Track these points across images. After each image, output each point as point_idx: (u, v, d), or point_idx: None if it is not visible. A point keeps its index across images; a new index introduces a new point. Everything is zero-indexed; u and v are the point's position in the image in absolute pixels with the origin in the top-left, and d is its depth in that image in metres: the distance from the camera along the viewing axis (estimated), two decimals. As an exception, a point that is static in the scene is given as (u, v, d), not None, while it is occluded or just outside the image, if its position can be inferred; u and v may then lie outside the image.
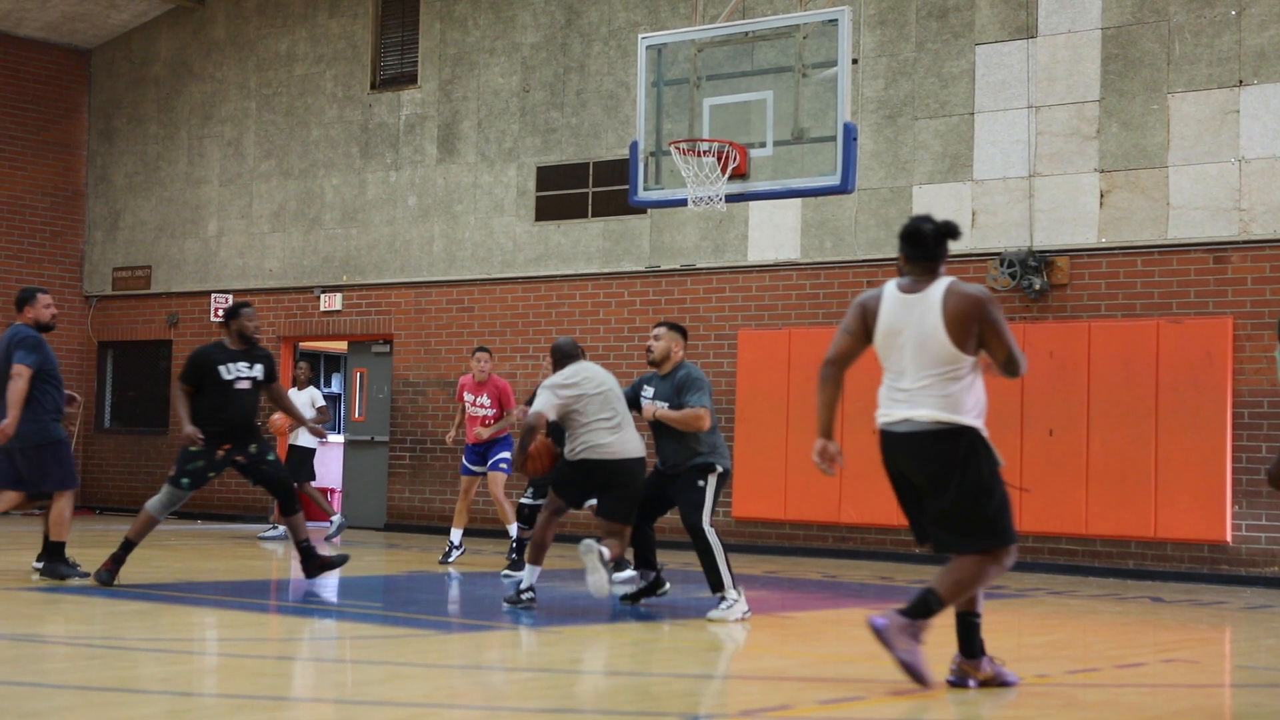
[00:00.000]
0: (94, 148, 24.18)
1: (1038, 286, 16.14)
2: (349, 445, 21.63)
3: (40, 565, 12.27)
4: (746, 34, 13.90)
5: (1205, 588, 14.86)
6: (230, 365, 12.17)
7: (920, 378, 7.41)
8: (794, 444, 17.33)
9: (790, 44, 13.49)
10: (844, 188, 13.22)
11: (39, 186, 23.64)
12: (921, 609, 7.40)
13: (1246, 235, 15.38)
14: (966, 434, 7.41)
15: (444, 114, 20.76)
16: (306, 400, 18.34)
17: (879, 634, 7.35)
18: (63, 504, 12.13)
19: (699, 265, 18.53)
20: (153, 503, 12.16)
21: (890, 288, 7.59)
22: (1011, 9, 16.68)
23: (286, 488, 12.45)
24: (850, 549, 17.17)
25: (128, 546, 12.08)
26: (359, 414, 21.51)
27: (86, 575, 12.14)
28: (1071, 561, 15.97)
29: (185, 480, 12.09)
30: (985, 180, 16.71)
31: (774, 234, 18.03)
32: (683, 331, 11.39)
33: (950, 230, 7.54)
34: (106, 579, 11.89)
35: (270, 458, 12.41)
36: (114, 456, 23.60)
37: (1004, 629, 11.20)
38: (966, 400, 7.41)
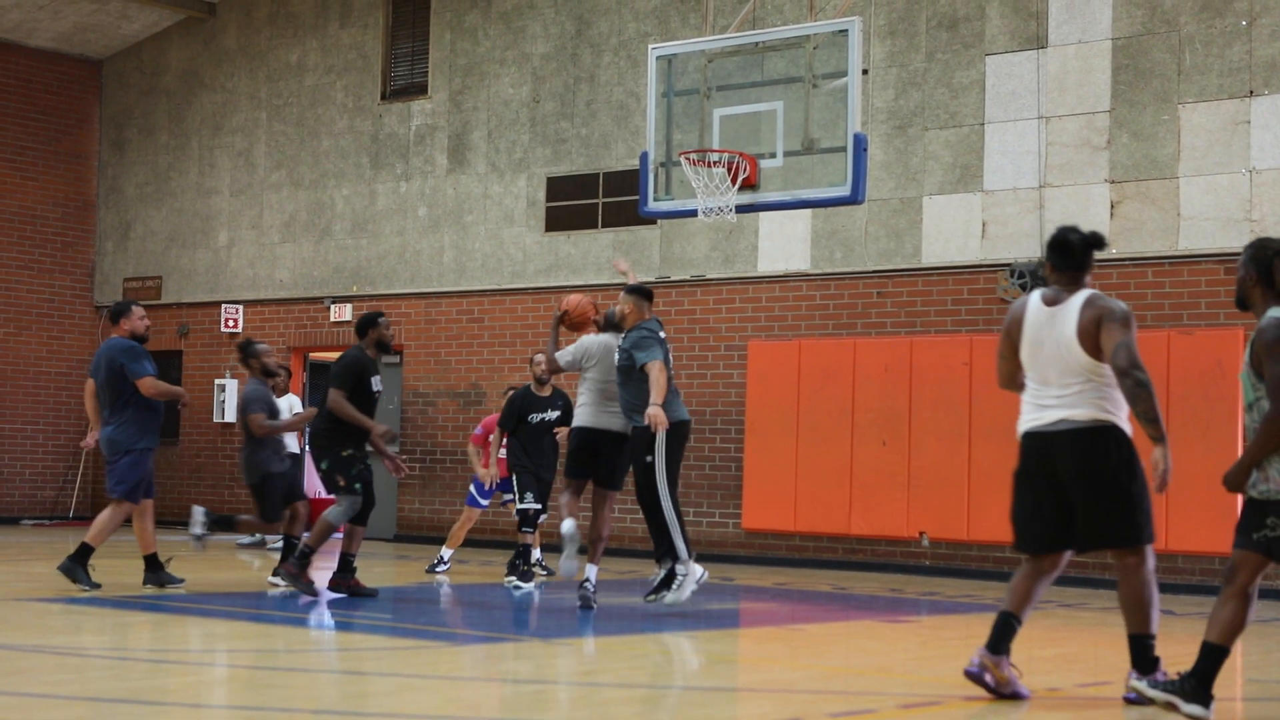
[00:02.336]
0: (105, 158, 24.22)
1: (1048, 297, 16.11)
2: (359, 455, 21.59)
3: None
4: (756, 44, 13.87)
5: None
6: (376, 377, 12.60)
7: (1066, 385, 7.57)
8: (804, 455, 17.32)
9: (800, 54, 13.47)
10: (854, 198, 13.20)
11: (50, 197, 23.68)
12: (1142, 660, 7.67)
13: (1258, 246, 15.34)
14: (1118, 432, 7.56)
15: (454, 124, 20.77)
16: (285, 407, 18.40)
17: (1149, 701, 7.55)
18: (116, 514, 12.52)
19: (709, 276, 18.52)
20: (334, 513, 12.49)
21: (1034, 299, 7.74)
22: (1022, 19, 16.68)
23: (372, 500, 12.73)
24: (860, 561, 17.14)
25: (308, 552, 12.51)
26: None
27: (98, 587, 12.28)
28: (1083, 574, 15.93)
29: (359, 485, 12.45)
30: (995, 191, 16.69)
31: (784, 245, 18.02)
32: (645, 294, 12.06)
33: (1097, 241, 7.71)
34: (309, 590, 12.46)
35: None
36: (124, 466, 23.58)
37: (1015, 642, 11.16)
38: (1116, 400, 7.55)
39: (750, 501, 17.78)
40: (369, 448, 12.61)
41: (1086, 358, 7.49)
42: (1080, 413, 7.53)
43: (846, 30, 13.10)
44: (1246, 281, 7.27)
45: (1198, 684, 7.24)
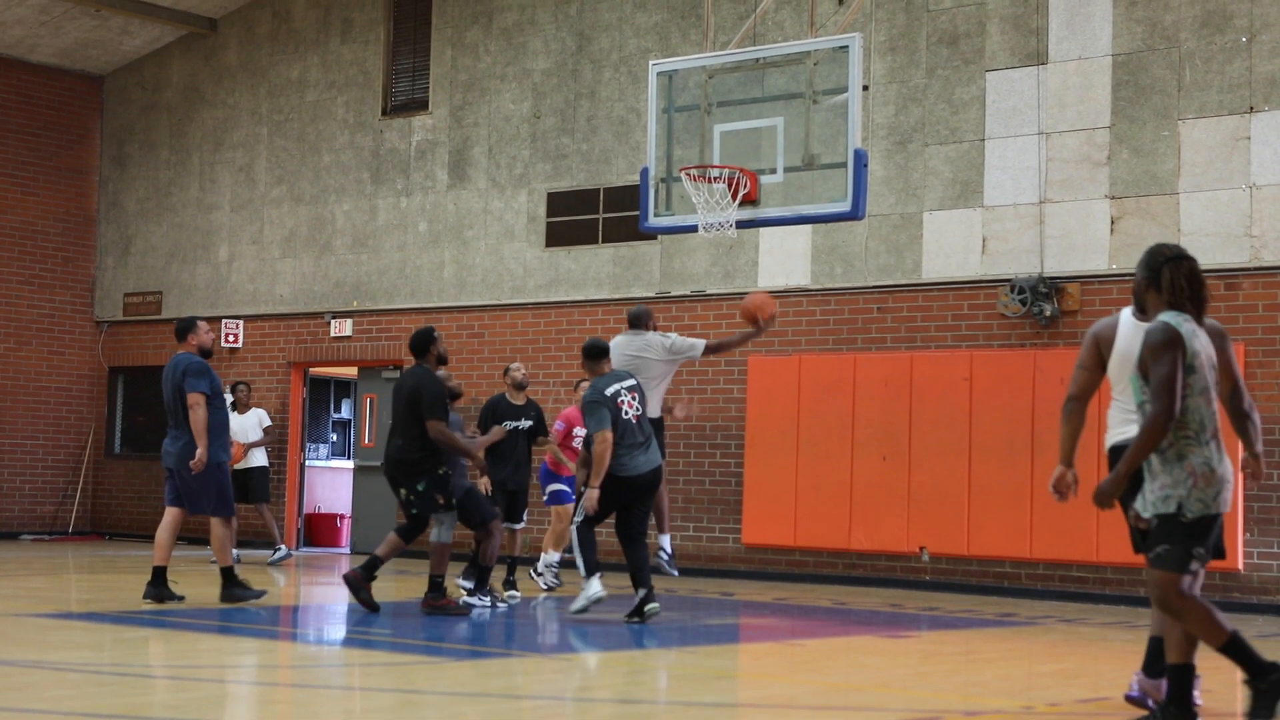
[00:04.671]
0: (106, 173, 24.24)
1: (1048, 313, 16.12)
2: (359, 471, 21.61)
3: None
4: (757, 60, 13.87)
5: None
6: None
7: None
8: (804, 470, 17.31)
9: (801, 70, 13.47)
10: (854, 214, 13.19)
11: (51, 212, 23.69)
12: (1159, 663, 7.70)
13: (1258, 262, 15.36)
14: None
15: (455, 140, 20.79)
16: (254, 421, 18.90)
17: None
18: (219, 530, 12.76)
19: (709, 291, 18.52)
20: (442, 533, 12.64)
21: (1126, 315, 7.91)
22: (1022, 35, 16.70)
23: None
24: (860, 576, 17.12)
25: (435, 582, 12.63)
26: (369, 440, 21.50)
27: (263, 594, 12.91)
28: (1083, 589, 15.92)
29: (455, 499, 12.65)
30: (996, 206, 16.70)
31: (784, 260, 18.02)
32: (589, 354, 12.67)
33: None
34: (467, 607, 12.81)
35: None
36: (124, 482, 23.59)
37: (1015, 657, 11.17)
38: None
39: (750, 516, 17.76)
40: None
41: None
42: None
43: (847, 46, 13.10)
44: (1140, 286, 7.35)
45: (1178, 710, 7.22)
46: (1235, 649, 7.21)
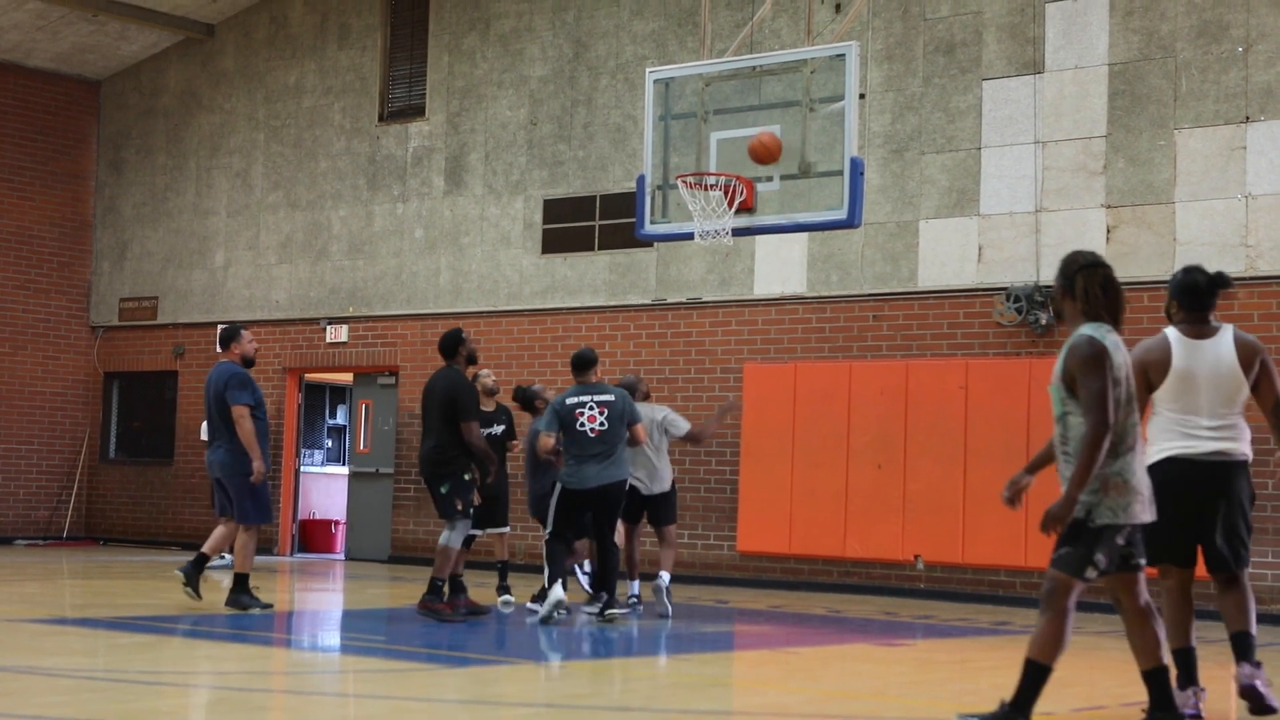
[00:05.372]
0: (102, 178, 24.22)
1: (1044, 321, 16.13)
2: (354, 477, 21.59)
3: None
4: (754, 68, 13.86)
5: (1214, 624, 14.74)
6: None
7: (1219, 415, 8.01)
8: (799, 478, 17.30)
9: (798, 78, 13.46)
10: (850, 222, 13.17)
11: (47, 217, 23.67)
12: (1245, 651, 8.12)
13: (1253, 271, 15.36)
14: (1249, 467, 8.20)
15: (451, 146, 20.79)
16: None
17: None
18: (245, 537, 12.77)
19: (705, 299, 18.52)
20: (453, 537, 12.67)
21: (1174, 334, 8.03)
22: (1019, 44, 16.70)
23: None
24: (855, 584, 17.11)
25: (454, 582, 12.79)
26: (364, 446, 21.49)
27: (269, 607, 12.74)
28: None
29: (472, 509, 12.82)
30: (992, 215, 16.70)
31: (780, 268, 18.02)
32: (571, 365, 13.14)
33: (1223, 281, 8.08)
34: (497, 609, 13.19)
35: None
36: (119, 487, 23.56)
37: (1010, 666, 11.11)
38: (1247, 434, 8.16)
39: (745, 524, 17.74)
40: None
41: (1245, 387, 8.00)
42: (1238, 447, 8.05)
43: (844, 54, 13.08)
44: (1056, 294, 7.34)
45: (1163, 713, 7.32)
46: (1039, 679, 7.25)
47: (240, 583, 12.76)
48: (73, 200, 23.99)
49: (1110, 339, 7.01)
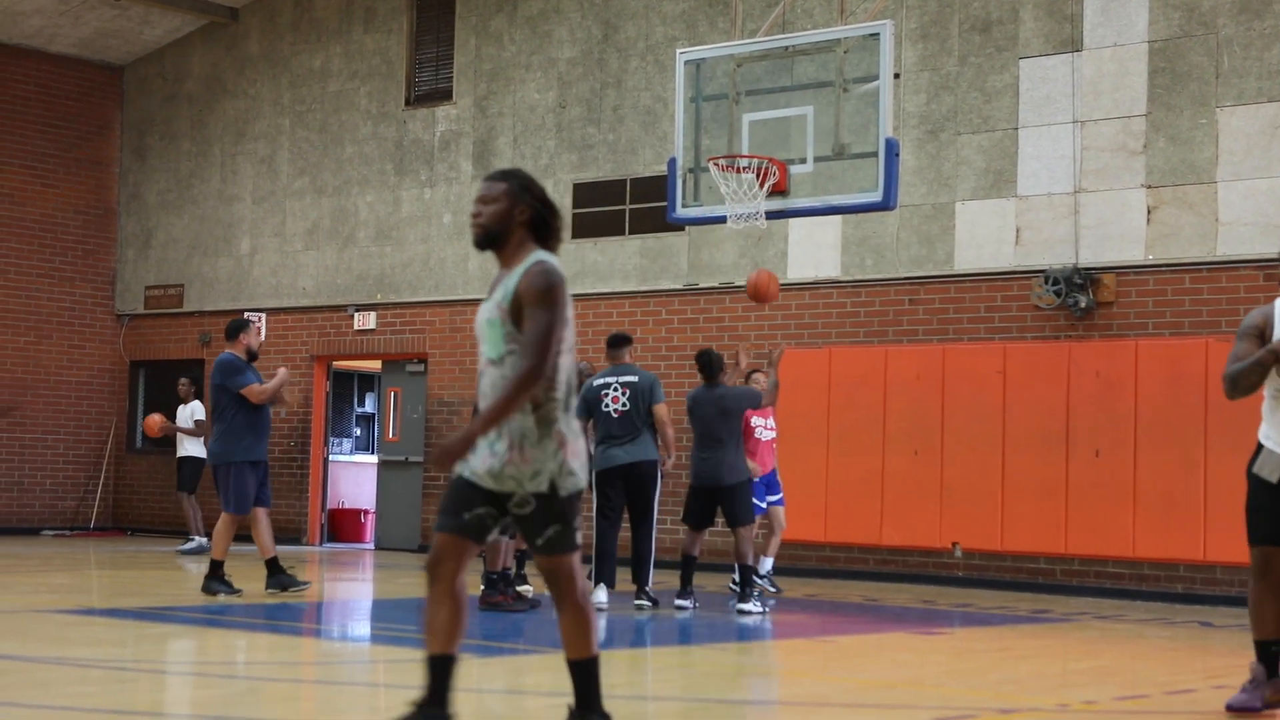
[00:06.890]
0: (126, 165, 24.11)
1: (1083, 304, 15.88)
2: (382, 466, 21.46)
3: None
4: (786, 48, 13.72)
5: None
6: None
7: None
8: (835, 465, 17.10)
9: (831, 58, 13.29)
10: (885, 204, 13.07)
11: (71, 204, 23.56)
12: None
13: (1297, 252, 15.10)
14: None
15: (479, 130, 20.61)
16: (189, 414, 19.75)
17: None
18: (223, 525, 12.82)
19: (738, 283, 18.30)
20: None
21: None
22: (1056, 22, 16.45)
23: None
24: (892, 572, 16.91)
25: (489, 579, 12.53)
26: (393, 434, 21.35)
27: (239, 592, 12.75)
28: (1119, 585, 15.69)
29: None
30: (1030, 196, 16.46)
31: (814, 251, 17.81)
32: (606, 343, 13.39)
33: None
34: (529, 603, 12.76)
35: None
36: (146, 477, 23.45)
37: (1050, 654, 10.98)
38: None
39: (779, 512, 17.55)
40: None
41: None
42: None
43: (878, 34, 12.95)
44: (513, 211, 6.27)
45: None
46: (443, 670, 5.95)
47: (215, 569, 12.82)
48: (97, 187, 23.88)
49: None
